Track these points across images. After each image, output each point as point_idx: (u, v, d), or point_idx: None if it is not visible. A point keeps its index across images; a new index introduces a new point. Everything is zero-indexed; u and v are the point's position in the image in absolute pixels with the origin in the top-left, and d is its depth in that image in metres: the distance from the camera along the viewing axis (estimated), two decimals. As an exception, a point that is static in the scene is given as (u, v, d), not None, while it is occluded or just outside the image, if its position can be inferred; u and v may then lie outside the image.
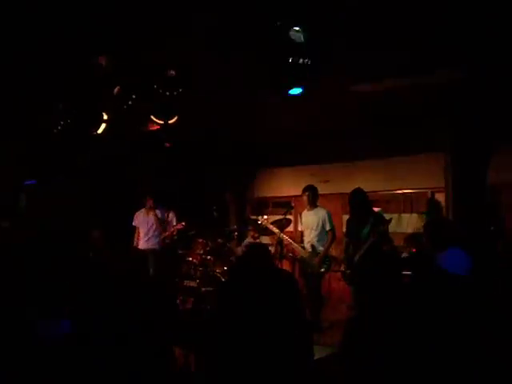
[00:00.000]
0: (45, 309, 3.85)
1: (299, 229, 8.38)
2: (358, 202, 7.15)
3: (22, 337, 3.57)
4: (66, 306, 3.97)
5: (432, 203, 9.14)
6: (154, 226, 9.32)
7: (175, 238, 9.47)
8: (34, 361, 3.44)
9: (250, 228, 9.27)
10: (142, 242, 9.34)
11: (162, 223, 9.39)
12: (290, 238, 8.27)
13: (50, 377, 3.37)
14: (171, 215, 9.61)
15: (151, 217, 9.36)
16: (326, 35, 4.89)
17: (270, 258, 4.63)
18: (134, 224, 9.52)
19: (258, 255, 4.25)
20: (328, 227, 7.85)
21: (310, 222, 8.00)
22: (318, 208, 8.03)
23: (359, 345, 3.65)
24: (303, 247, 7.99)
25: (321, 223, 7.88)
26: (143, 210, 9.49)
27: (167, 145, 9.43)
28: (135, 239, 9.45)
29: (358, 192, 7.21)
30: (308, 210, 8.08)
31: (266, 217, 8.61)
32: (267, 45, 4.90)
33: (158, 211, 9.39)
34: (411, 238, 7.85)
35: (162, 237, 9.39)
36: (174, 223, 9.52)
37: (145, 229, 9.35)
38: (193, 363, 4.96)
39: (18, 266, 4.97)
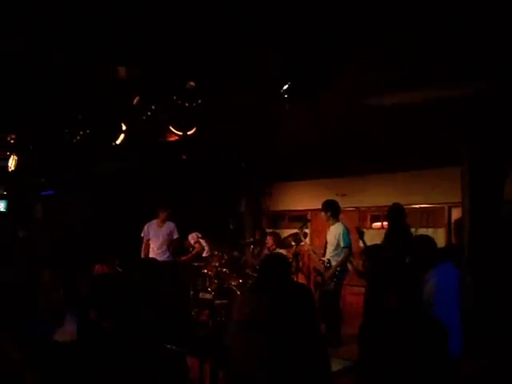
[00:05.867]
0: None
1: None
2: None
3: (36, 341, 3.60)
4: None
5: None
6: (168, 239, 9.10)
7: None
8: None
9: (267, 241, 9.27)
10: (155, 255, 8.86)
11: (171, 237, 9.15)
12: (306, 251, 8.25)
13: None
14: (194, 237, 9.62)
15: (164, 229, 9.11)
16: (338, 47, 4.89)
17: (290, 271, 4.61)
18: (142, 235, 9.19)
19: (279, 267, 4.24)
20: (342, 244, 7.83)
21: (329, 238, 8.07)
22: (337, 224, 8.03)
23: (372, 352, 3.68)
24: (322, 260, 8.02)
25: (336, 240, 7.89)
26: (154, 221, 9.19)
27: (184, 157, 9.46)
28: (143, 250, 9.16)
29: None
30: (330, 226, 8.11)
31: (306, 230, 8.58)
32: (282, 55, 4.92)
33: (168, 224, 9.18)
34: None
35: (181, 259, 9.41)
36: (193, 243, 9.54)
37: (158, 241, 9.06)
38: (208, 373, 4.94)
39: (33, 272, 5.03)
